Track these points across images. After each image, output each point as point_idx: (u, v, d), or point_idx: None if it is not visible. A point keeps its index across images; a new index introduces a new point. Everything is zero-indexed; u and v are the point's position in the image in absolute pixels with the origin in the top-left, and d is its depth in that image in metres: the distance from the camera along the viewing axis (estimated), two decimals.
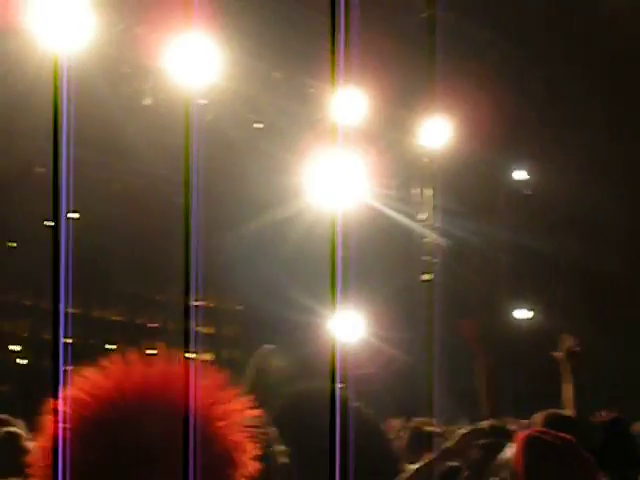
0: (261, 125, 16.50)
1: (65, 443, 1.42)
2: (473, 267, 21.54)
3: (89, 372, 1.49)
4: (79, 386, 1.48)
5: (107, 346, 26.33)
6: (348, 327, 17.58)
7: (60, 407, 1.48)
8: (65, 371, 1.58)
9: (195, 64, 13.67)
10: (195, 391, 1.40)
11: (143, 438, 1.39)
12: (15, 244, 21.57)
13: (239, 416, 1.45)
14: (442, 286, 17.99)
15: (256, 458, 1.46)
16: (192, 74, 13.97)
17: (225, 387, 1.46)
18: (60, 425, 1.45)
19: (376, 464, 3.13)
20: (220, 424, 1.43)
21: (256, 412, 1.45)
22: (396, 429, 9.57)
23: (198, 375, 1.43)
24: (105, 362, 1.50)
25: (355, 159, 16.17)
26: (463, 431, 5.83)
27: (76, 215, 22.38)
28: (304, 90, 15.84)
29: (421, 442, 7.37)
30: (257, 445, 1.46)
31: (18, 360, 22.57)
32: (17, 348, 22.51)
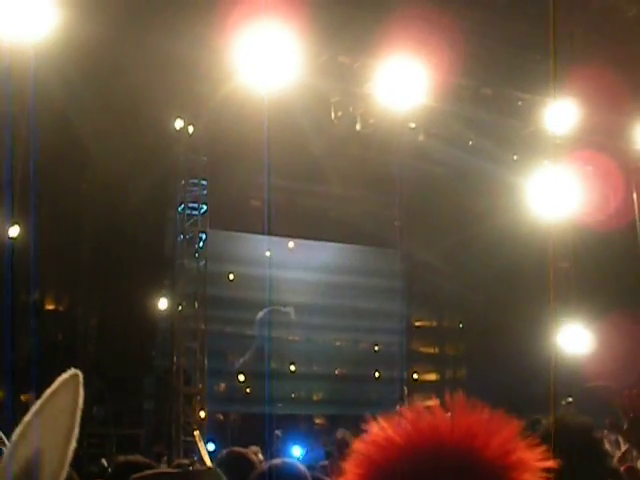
0: (471, 142, 16.35)
1: None
2: None
3: (388, 419, 1.48)
4: (378, 430, 1.47)
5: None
6: (573, 339, 17.10)
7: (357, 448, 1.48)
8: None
9: (403, 88, 13.70)
10: (489, 440, 1.41)
11: None
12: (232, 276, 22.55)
13: (533, 466, 1.42)
14: None
15: None
16: (400, 98, 14.00)
17: (519, 436, 1.44)
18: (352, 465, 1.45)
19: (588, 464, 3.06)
20: (514, 473, 1.40)
21: (550, 463, 1.44)
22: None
23: (491, 424, 1.43)
24: (404, 410, 1.48)
25: (569, 169, 15.78)
26: None
27: (292, 244, 23.05)
28: (513, 103, 15.62)
29: None
30: None
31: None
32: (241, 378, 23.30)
